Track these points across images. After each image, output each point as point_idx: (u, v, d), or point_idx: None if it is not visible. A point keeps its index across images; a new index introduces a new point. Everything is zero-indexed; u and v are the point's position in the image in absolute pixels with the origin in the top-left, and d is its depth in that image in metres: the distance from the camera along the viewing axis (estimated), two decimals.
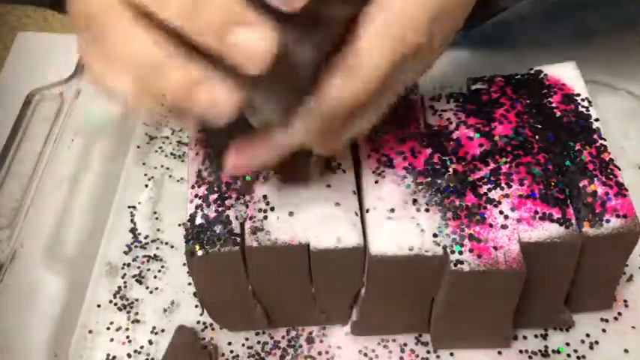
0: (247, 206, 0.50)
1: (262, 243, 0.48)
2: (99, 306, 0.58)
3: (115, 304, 0.58)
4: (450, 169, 0.50)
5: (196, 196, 0.51)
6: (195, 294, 0.57)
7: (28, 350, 0.53)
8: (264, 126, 0.42)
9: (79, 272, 0.59)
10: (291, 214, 0.49)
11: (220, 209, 0.50)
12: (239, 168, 0.46)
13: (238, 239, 0.49)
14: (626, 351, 0.54)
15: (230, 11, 0.34)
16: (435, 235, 0.48)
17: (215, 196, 0.51)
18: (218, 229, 0.49)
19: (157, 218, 0.63)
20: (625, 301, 0.56)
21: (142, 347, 0.56)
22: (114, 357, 0.55)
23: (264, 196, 0.50)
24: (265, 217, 0.49)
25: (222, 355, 0.55)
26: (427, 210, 0.49)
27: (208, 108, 0.37)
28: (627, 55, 0.70)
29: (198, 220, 0.50)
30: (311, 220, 0.49)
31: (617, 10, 0.69)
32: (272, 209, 0.49)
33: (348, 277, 0.51)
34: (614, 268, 0.52)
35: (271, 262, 0.50)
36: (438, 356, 0.54)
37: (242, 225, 0.49)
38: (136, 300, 0.58)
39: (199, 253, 0.48)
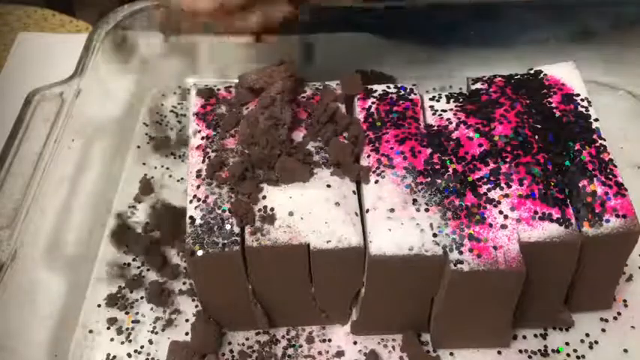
0: (248, 206, 0.50)
1: (262, 243, 0.48)
2: (99, 306, 0.58)
3: (115, 304, 0.58)
4: (450, 169, 0.50)
5: (195, 196, 0.51)
6: (195, 293, 0.58)
7: (28, 350, 0.53)
8: None
9: (79, 272, 0.59)
10: (291, 214, 0.49)
11: (220, 210, 0.50)
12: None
13: (238, 239, 0.49)
14: (625, 351, 0.54)
15: None
16: (434, 235, 0.48)
17: (215, 197, 0.51)
18: (218, 229, 0.49)
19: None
20: (625, 300, 0.56)
21: (142, 347, 0.56)
22: (114, 357, 0.55)
23: (264, 197, 0.50)
24: (265, 218, 0.49)
25: (223, 355, 0.55)
26: (427, 210, 0.49)
27: None
28: (627, 55, 0.70)
29: (198, 221, 0.50)
30: (311, 220, 0.49)
31: (617, 10, 0.69)
32: (272, 209, 0.49)
33: (348, 277, 0.51)
34: (613, 268, 0.52)
35: (271, 262, 0.50)
36: (437, 356, 0.54)
37: (242, 225, 0.49)
38: (136, 300, 0.58)
39: (199, 253, 0.48)
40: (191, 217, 0.50)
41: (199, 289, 0.53)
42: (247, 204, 0.50)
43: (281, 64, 0.56)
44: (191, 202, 0.51)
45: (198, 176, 0.52)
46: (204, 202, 0.51)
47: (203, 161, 0.53)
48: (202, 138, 0.55)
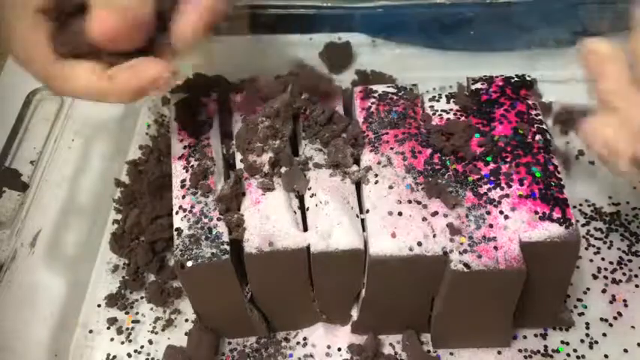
0: (243, 214, 0.49)
1: (262, 249, 0.48)
2: (99, 306, 0.58)
3: (115, 304, 0.58)
4: (450, 170, 0.50)
5: (181, 207, 0.50)
6: None
7: (28, 350, 0.53)
8: None
9: (79, 272, 0.59)
10: (289, 218, 0.49)
11: (206, 219, 0.50)
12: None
13: (228, 248, 0.48)
14: (625, 351, 0.54)
15: None
16: (434, 236, 0.48)
17: (201, 205, 0.50)
18: (206, 239, 0.49)
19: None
20: (625, 301, 0.56)
21: (142, 347, 0.56)
22: (114, 357, 0.55)
23: (258, 202, 0.50)
24: (263, 223, 0.49)
25: (222, 354, 0.55)
26: (427, 210, 0.49)
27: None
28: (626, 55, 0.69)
29: (186, 232, 0.49)
30: (311, 223, 0.49)
31: (617, 10, 0.69)
32: (268, 216, 0.49)
33: (348, 278, 0.51)
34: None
35: (272, 268, 0.49)
36: (437, 356, 0.54)
37: (232, 232, 0.49)
38: (136, 300, 0.58)
39: (189, 264, 0.48)
40: (178, 229, 0.49)
41: (193, 301, 0.53)
42: (240, 214, 0.49)
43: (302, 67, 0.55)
44: (177, 213, 0.50)
45: (182, 186, 0.52)
46: (190, 212, 0.50)
47: (187, 171, 0.53)
48: (184, 147, 0.54)
